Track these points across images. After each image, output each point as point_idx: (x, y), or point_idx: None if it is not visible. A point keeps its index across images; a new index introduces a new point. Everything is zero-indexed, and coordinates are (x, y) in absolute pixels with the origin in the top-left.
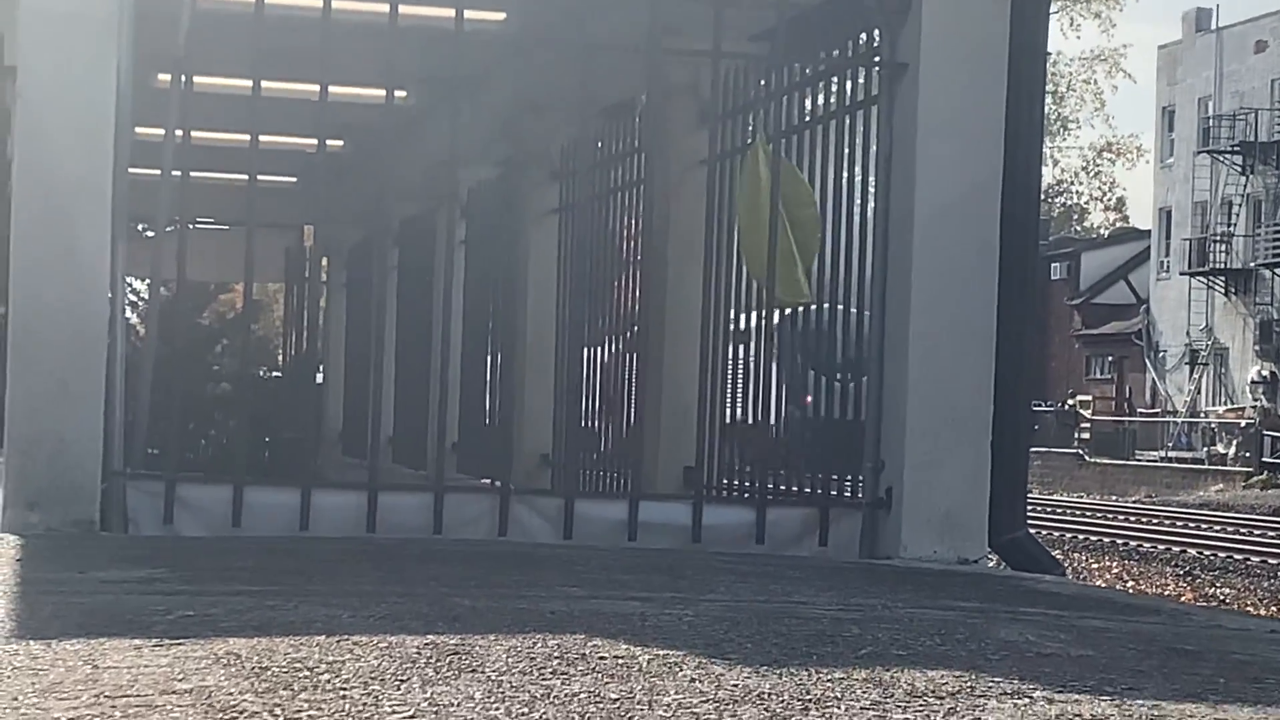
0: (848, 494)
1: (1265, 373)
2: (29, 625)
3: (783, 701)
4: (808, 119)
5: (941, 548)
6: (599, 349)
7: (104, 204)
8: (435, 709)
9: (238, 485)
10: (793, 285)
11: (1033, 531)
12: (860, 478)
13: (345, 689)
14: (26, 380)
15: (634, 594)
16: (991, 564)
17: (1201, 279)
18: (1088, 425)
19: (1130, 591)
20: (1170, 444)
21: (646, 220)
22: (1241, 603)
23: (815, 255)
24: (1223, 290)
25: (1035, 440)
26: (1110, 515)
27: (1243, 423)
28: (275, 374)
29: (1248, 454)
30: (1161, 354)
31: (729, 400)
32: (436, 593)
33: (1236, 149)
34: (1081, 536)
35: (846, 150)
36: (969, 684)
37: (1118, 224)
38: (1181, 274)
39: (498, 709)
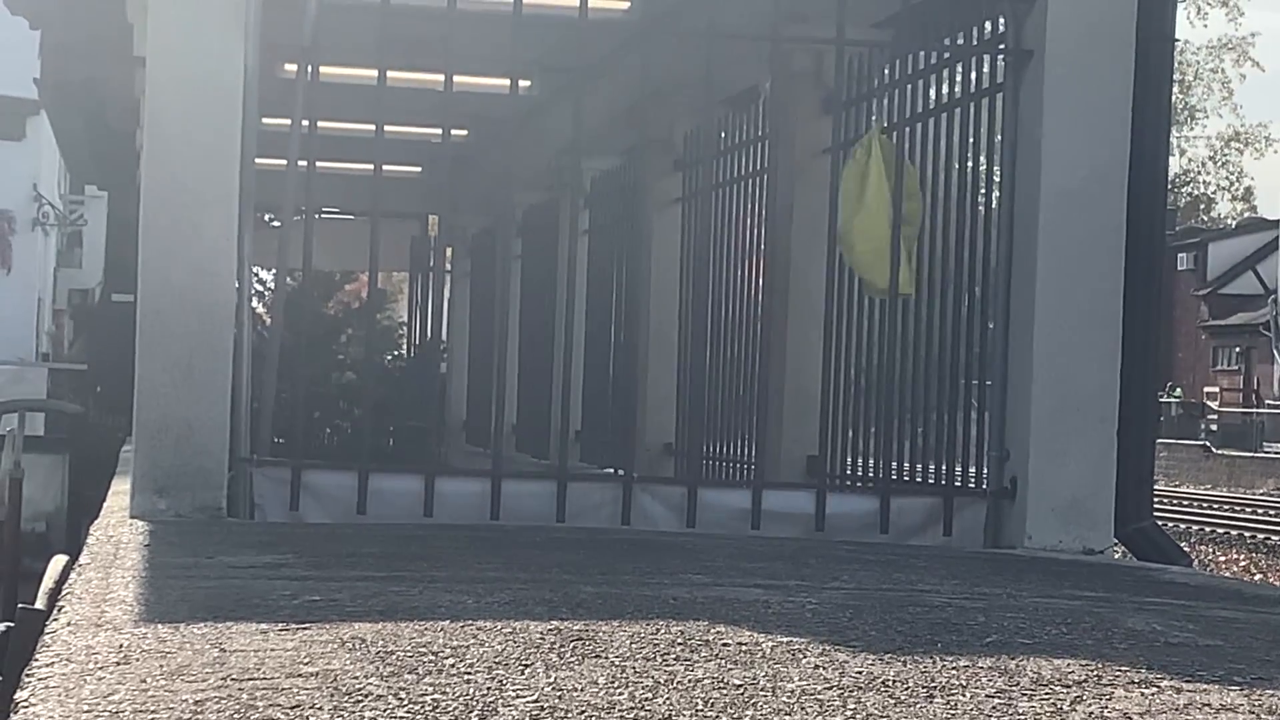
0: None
1: None
2: (157, 609)
3: (907, 689)
4: (931, 106)
5: (1066, 537)
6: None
7: (231, 193)
8: (559, 693)
9: (363, 472)
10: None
11: (1159, 523)
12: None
13: (469, 673)
14: (154, 367)
15: (757, 581)
16: (1117, 554)
17: None
18: (1214, 417)
19: (1259, 583)
20: None
21: (770, 208)
22: None
23: (914, 248)
24: None
25: (1159, 431)
26: (1238, 508)
27: None
28: (399, 362)
29: None
30: None
31: None
32: (560, 579)
33: None
34: (1208, 529)
35: (970, 138)
36: (1095, 672)
37: (1245, 214)
38: None
39: (621, 694)
